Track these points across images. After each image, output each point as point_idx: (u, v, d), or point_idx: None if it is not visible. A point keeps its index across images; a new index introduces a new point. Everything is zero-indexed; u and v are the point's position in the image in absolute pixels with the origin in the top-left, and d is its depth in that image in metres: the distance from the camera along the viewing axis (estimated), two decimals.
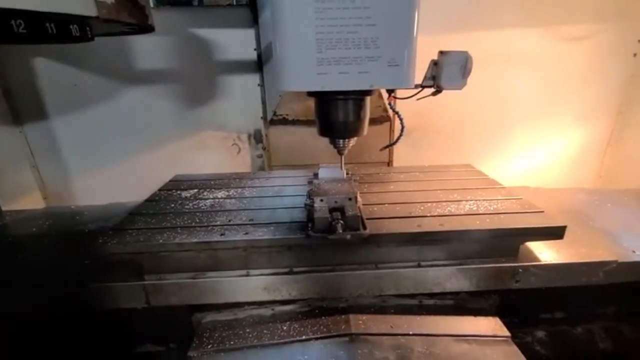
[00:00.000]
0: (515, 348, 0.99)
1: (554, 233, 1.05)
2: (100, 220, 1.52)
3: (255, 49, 2.14)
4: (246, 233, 1.04)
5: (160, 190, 1.43)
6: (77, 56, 2.08)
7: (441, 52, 1.00)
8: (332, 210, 1.02)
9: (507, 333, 1.04)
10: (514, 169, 2.56)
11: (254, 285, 1.08)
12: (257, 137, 2.43)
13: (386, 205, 1.21)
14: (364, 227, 1.01)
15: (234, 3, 2.71)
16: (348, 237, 0.97)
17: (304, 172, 1.61)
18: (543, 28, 2.16)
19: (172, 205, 1.26)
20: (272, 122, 2.12)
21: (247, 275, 1.08)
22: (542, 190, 1.66)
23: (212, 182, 1.49)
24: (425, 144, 2.42)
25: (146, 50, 2.10)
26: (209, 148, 2.39)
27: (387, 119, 2.10)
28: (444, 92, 1.03)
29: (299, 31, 0.86)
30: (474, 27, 2.12)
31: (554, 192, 1.66)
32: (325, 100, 1.05)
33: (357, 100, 1.04)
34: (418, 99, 1.06)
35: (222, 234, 1.04)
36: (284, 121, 2.12)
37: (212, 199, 1.32)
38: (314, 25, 0.85)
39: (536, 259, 1.10)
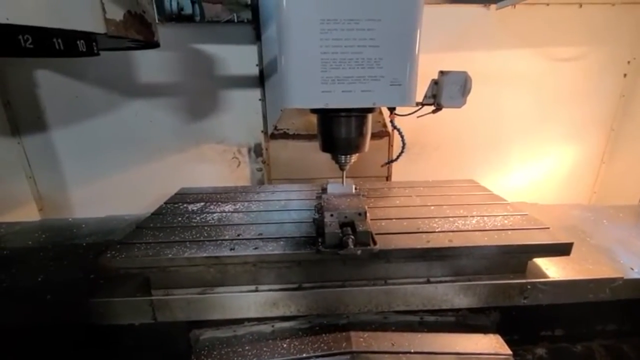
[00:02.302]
0: None
1: (561, 250, 1.06)
2: (99, 233, 1.50)
3: (257, 65, 2.17)
4: (256, 248, 1.04)
5: (166, 203, 1.42)
6: (79, 68, 2.08)
7: (441, 72, 1.03)
8: (342, 226, 1.02)
9: (508, 351, 1.04)
10: (510, 185, 2.60)
11: (262, 301, 1.07)
12: (257, 151, 2.44)
13: (394, 220, 1.21)
14: (374, 243, 1.01)
15: (235, 20, 2.77)
16: (359, 252, 0.97)
17: (309, 186, 1.62)
18: (537, 49, 2.24)
19: (180, 218, 1.25)
20: (273, 136, 2.13)
21: (256, 290, 1.07)
22: (539, 206, 1.69)
23: (218, 196, 1.48)
24: (423, 159, 2.46)
25: (149, 63, 2.11)
26: (209, 161, 2.39)
27: (386, 134, 2.13)
28: (442, 109, 1.06)
29: (305, 50, 0.89)
30: (472, 47, 2.19)
31: (550, 208, 1.69)
32: (328, 117, 1.07)
33: (359, 117, 1.06)
34: (418, 117, 1.09)
35: (232, 249, 1.03)
36: (285, 135, 2.13)
37: (219, 212, 1.31)
38: (319, 45, 0.88)
39: (544, 275, 1.11)
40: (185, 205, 1.39)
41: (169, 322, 1.06)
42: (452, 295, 1.09)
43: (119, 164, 2.30)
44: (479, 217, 1.23)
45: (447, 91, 1.01)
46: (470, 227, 1.15)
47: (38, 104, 2.12)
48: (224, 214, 1.30)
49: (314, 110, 1.05)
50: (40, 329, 1.13)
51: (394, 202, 1.41)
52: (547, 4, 2.11)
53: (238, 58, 2.16)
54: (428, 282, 1.09)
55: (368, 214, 1.07)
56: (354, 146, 1.10)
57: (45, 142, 2.19)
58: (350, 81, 0.91)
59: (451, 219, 1.22)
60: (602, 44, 2.22)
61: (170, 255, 0.99)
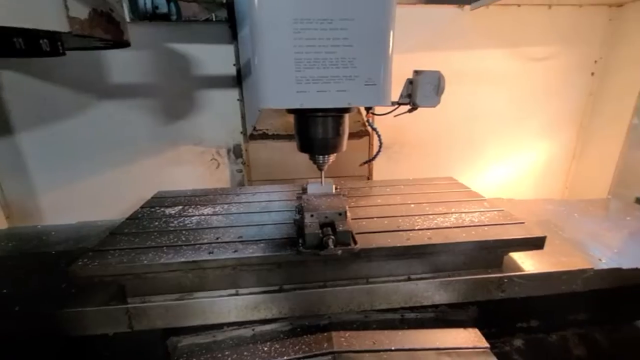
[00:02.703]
0: (494, 359, 1.01)
1: (535, 243, 1.10)
2: (70, 240, 1.44)
3: (234, 65, 2.14)
4: (235, 251, 1.02)
5: (142, 207, 1.38)
6: (47, 69, 1.99)
7: (416, 72, 1.04)
8: (322, 226, 1.02)
9: (486, 344, 1.06)
10: (487, 181, 2.67)
11: (243, 305, 1.05)
12: (236, 152, 2.40)
13: (374, 219, 1.22)
14: (355, 242, 1.02)
15: (213, 19, 2.72)
16: (339, 252, 0.97)
17: (290, 187, 1.60)
18: (511, 49, 2.31)
19: (156, 223, 1.22)
20: (252, 137, 2.11)
21: (237, 294, 1.05)
22: (515, 202, 1.74)
23: (197, 199, 1.45)
24: (402, 157, 2.49)
25: (122, 63, 2.05)
26: (187, 163, 2.33)
27: (366, 133, 2.14)
28: (419, 108, 1.07)
29: (278, 50, 0.88)
30: (448, 47, 2.23)
31: (525, 203, 1.74)
32: (304, 117, 1.06)
33: (336, 117, 1.06)
34: (395, 116, 1.10)
35: (210, 252, 1.01)
36: (264, 136, 2.11)
37: (198, 215, 1.28)
38: (292, 45, 0.87)
39: (519, 268, 1.14)
40: (162, 209, 1.35)
41: (146, 330, 1.03)
42: (432, 291, 1.10)
43: (92, 168, 2.21)
44: (457, 214, 1.25)
45: (421, 90, 1.02)
46: (449, 224, 1.17)
47: (2, 107, 2.01)
48: (203, 217, 1.28)
49: (290, 111, 1.04)
50: (9, 342, 1.08)
51: (375, 201, 1.42)
52: (519, 5, 2.17)
53: (215, 58, 2.12)
54: (409, 279, 1.11)
55: (348, 214, 1.08)
56: (331, 146, 1.10)
57: (11, 147, 2.09)
58: (325, 81, 0.91)
59: (431, 216, 1.24)
60: (571, 44, 2.30)
61: (145, 262, 0.96)
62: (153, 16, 2.25)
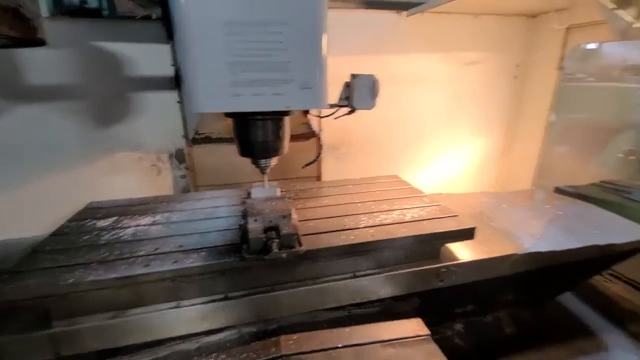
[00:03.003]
0: (434, 345, 1.07)
1: (467, 234, 1.18)
2: None
3: (172, 65, 2.04)
4: (175, 262, 0.97)
5: (70, 221, 1.26)
6: None
7: (353, 76, 1.08)
8: (267, 230, 1.01)
9: (427, 332, 1.12)
10: (429, 177, 2.82)
11: (186, 317, 1.00)
12: (179, 157, 2.29)
13: (322, 220, 1.24)
14: (300, 245, 1.02)
15: (153, 17, 2.57)
16: (284, 256, 0.97)
17: (237, 192, 1.57)
18: (446, 54, 2.46)
19: (86, 237, 1.12)
20: (195, 141, 2.03)
21: (178, 307, 1.00)
22: (453, 196, 1.86)
23: (134, 208, 1.36)
24: (350, 158, 2.54)
25: (42, 63, 1.86)
26: (125, 171, 2.18)
27: (314, 135, 2.16)
28: (362, 112, 1.11)
29: (211, 54, 0.86)
30: (388, 51, 2.33)
31: (462, 197, 1.87)
32: (243, 121, 1.04)
33: (275, 120, 1.06)
34: (336, 118, 1.12)
35: (147, 266, 0.95)
36: (208, 140, 2.05)
37: (134, 227, 1.20)
38: (225, 48, 0.85)
39: (456, 258, 1.22)
40: (93, 221, 1.25)
41: (78, 355, 0.94)
42: (378, 286, 1.14)
43: (12, 180, 1.98)
44: (399, 211, 1.31)
45: (358, 94, 1.05)
46: (391, 221, 1.22)
47: None
48: (140, 228, 1.20)
49: (228, 115, 1.02)
50: None
51: (323, 202, 1.43)
52: (449, 13, 2.32)
53: (151, 58, 2.00)
54: (355, 277, 1.13)
55: (294, 216, 1.07)
56: (273, 150, 1.09)
57: None
58: (261, 84, 0.90)
59: (375, 214, 1.28)
60: (496, 50, 2.52)
61: (71, 281, 0.88)
62: (81, 12, 2.07)
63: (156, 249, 1.04)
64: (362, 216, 1.26)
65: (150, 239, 1.12)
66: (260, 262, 0.97)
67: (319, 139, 1.18)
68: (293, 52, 0.90)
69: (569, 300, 1.78)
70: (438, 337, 1.12)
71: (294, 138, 1.13)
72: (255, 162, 1.13)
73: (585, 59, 2.19)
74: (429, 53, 2.43)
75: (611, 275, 1.91)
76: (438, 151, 2.76)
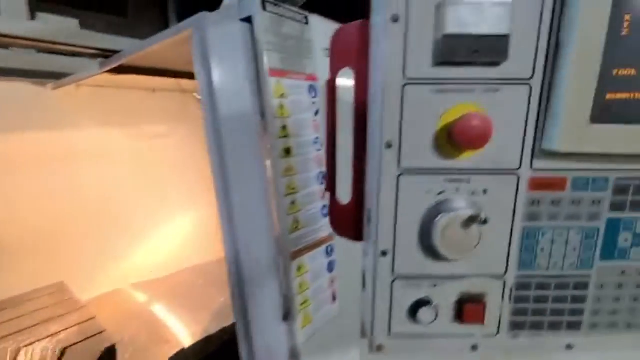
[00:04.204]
0: None
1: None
2: None
3: None
4: None
5: None
6: None
7: None
8: None
9: None
10: (145, 259, 2.47)
11: None
12: None
13: None
14: None
15: None
16: None
17: None
18: (128, 128, 2.29)
19: None
20: None
21: None
22: (141, 284, 1.62)
23: None
24: (4, 268, 1.81)
25: None
26: None
27: None
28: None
29: None
30: (42, 126, 1.90)
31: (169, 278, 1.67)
32: None
33: None
34: None
35: None
36: None
37: None
38: None
39: None
40: None
41: None
42: None
43: None
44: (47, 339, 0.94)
45: None
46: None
47: None
48: None
49: None
50: None
51: None
52: (119, 88, 2.18)
53: None
54: None
55: None
56: None
57: None
58: None
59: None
60: (179, 122, 2.57)
61: None
62: None
63: None
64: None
65: None
66: None
67: None
68: None
69: None
70: None
71: None
72: None
73: None
74: (104, 127, 2.18)
75: None
76: (147, 230, 2.49)
